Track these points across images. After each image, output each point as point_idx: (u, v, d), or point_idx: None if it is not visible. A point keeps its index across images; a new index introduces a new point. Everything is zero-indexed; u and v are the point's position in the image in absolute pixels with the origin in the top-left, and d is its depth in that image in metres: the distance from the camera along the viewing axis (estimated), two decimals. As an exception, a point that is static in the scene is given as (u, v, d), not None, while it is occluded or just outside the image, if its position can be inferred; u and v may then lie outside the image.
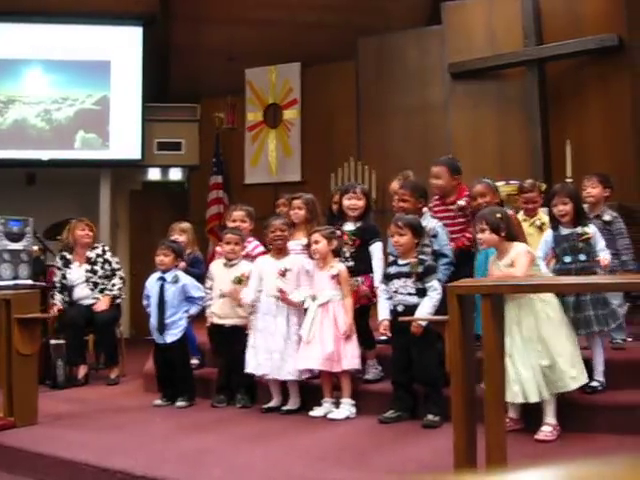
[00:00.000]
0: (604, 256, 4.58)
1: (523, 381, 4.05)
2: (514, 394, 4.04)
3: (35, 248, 8.19)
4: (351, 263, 5.25)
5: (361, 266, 5.21)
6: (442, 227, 5.14)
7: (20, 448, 4.33)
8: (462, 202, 5.36)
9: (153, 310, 5.61)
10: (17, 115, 10.30)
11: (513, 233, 4.39)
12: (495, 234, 4.29)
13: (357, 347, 5.01)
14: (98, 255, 6.93)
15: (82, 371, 6.63)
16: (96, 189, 10.60)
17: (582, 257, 4.58)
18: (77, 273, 6.82)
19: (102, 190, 10.67)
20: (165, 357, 5.61)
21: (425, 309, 4.59)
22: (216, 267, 5.71)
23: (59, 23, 10.37)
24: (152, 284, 5.68)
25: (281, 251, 5.31)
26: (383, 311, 4.86)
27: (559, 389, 4.11)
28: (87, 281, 6.82)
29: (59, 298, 6.73)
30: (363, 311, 5.31)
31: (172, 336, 5.56)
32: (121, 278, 6.95)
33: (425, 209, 5.30)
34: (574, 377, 4.11)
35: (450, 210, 5.43)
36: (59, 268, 6.85)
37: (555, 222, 4.73)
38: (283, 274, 5.19)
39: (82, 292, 6.80)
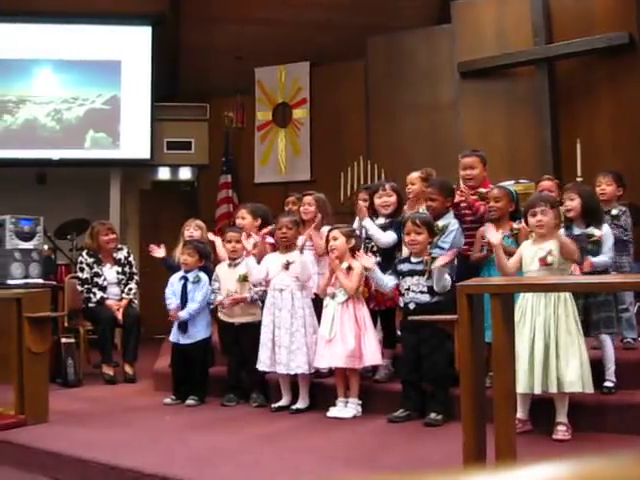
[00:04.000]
0: (594, 259, 4.50)
1: (570, 371, 3.96)
2: (562, 383, 3.97)
3: (45, 247, 8.25)
4: (379, 259, 5.28)
5: (390, 264, 5.21)
6: (459, 229, 5.13)
7: (31, 446, 4.36)
8: (483, 189, 5.34)
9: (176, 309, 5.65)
10: (28, 115, 10.32)
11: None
12: (555, 219, 4.27)
13: (377, 343, 5.04)
14: (125, 257, 7.05)
15: (112, 369, 6.67)
16: (106, 188, 10.61)
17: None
18: (110, 274, 6.89)
19: (112, 189, 10.67)
20: (185, 357, 5.63)
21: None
22: (221, 268, 5.75)
23: (69, 23, 10.38)
24: (175, 284, 5.71)
25: (288, 248, 5.33)
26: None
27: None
28: (119, 282, 6.90)
29: (101, 295, 6.76)
30: (388, 312, 5.38)
31: (195, 336, 5.61)
32: (137, 283, 7.04)
33: (450, 208, 5.28)
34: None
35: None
36: (89, 265, 6.84)
37: (568, 221, 4.71)
38: (286, 267, 5.22)
39: (113, 292, 6.87)
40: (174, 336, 5.64)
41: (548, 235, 4.24)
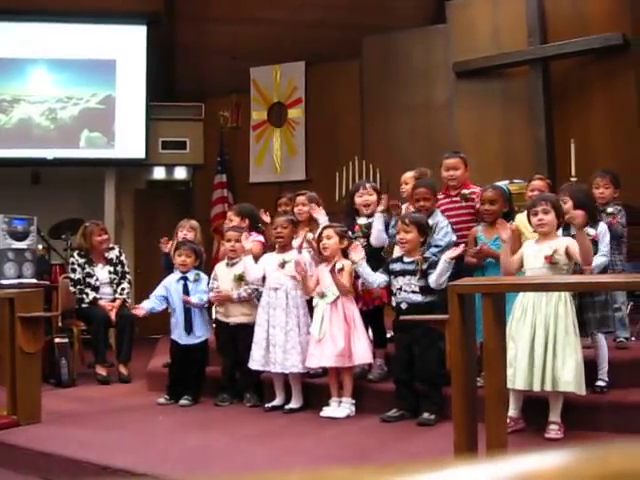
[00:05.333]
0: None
1: (566, 371, 3.96)
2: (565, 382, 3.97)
3: (39, 247, 8.25)
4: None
5: (373, 262, 5.22)
6: (448, 224, 5.14)
7: (23, 446, 4.34)
8: (466, 190, 5.40)
9: (179, 311, 5.64)
10: (22, 114, 10.30)
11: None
12: (557, 219, 4.28)
13: (368, 342, 5.05)
14: (117, 257, 7.01)
15: (106, 369, 6.64)
16: (101, 188, 10.60)
17: None
18: (102, 274, 6.86)
19: (107, 189, 10.66)
20: (186, 357, 5.63)
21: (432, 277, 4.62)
22: (220, 267, 5.75)
23: (64, 22, 10.36)
24: (173, 285, 5.70)
25: (284, 247, 5.33)
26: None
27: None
28: (111, 282, 6.88)
29: (94, 295, 6.74)
30: (376, 311, 5.40)
31: (199, 336, 5.62)
32: (129, 282, 7.01)
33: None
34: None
35: (455, 202, 5.47)
36: (80, 266, 6.82)
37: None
38: (282, 266, 5.23)
39: (106, 292, 6.84)
40: (177, 336, 5.66)
41: (551, 234, 4.25)
